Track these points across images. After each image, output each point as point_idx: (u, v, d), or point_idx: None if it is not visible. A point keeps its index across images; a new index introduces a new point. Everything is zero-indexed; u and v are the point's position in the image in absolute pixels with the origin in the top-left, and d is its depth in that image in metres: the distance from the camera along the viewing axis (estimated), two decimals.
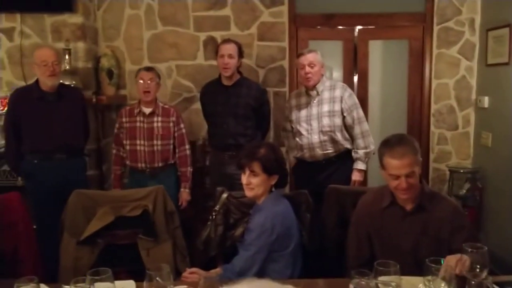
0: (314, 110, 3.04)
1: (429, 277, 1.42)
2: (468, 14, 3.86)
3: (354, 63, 4.01)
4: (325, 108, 3.02)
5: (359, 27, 3.97)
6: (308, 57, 2.99)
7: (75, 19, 3.58)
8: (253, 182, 2.02)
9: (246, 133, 3.16)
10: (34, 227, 2.62)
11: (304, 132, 3.05)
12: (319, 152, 3.03)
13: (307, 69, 2.98)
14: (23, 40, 3.57)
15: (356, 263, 1.87)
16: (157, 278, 1.38)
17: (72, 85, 3.33)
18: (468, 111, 3.96)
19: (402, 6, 3.91)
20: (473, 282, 1.37)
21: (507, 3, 3.41)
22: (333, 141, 3.01)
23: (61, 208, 2.40)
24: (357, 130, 3.03)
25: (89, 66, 3.70)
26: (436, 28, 3.89)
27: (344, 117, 3.02)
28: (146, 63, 3.86)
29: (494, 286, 1.51)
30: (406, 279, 1.51)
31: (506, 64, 3.40)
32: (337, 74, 4.04)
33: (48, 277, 2.11)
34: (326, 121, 3.00)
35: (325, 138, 3.00)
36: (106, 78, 3.72)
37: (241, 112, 3.14)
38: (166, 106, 3.21)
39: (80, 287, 1.38)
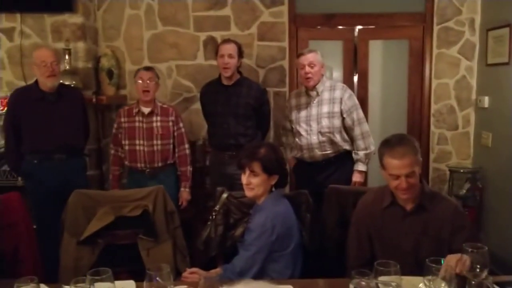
0: (314, 110, 3.04)
1: (430, 277, 1.42)
2: (468, 14, 3.86)
3: (354, 63, 4.01)
4: (325, 109, 3.01)
5: (359, 27, 3.97)
6: (308, 57, 2.99)
7: (75, 19, 3.58)
8: (253, 182, 2.02)
9: (247, 133, 3.16)
10: (34, 227, 2.62)
11: (303, 133, 3.05)
12: (318, 153, 3.03)
13: (307, 69, 2.97)
14: (23, 40, 3.57)
15: (356, 263, 1.87)
16: (157, 278, 1.38)
17: (72, 85, 3.33)
18: (468, 111, 3.96)
19: (402, 6, 3.91)
20: (473, 282, 1.37)
21: (507, 3, 3.41)
22: (332, 142, 3.01)
23: (61, 208, 2.40)
24: (357, 131, 3.03)
25: (89, 66, 3.70)
26: (436, 28, 3.89)
27: (343, 119, 3.02)
28: (146, 63, 3.86)
29: (495, 286, 1.51)
30: (407, 279, 1.51)
31: (506, 64, 3.40)
32: (337, 74, 4.04)
33: (48, 277, 2.12)
34: (325, 122, 3.00)
35: (324, 139, 3.00)
36: (106, 78, 3.72)
37: (241, 112, 3.14)
38: (165, 106, 3.21)
39: (80, 287, 1.38)
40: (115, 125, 3.23)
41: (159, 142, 3.12)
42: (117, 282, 1.43)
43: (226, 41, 3.20)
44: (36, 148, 2.92)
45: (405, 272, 1.47)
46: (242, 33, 3.87)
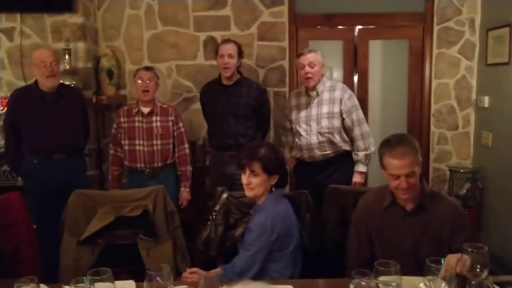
0: (314, 111, 3.04)
1: (430, 277, 1.42)
2: (468, 14, 3.86)
3: (354, 63, 4.01)
4: (324, 109, 3.01)
5: (359, 27, 3.97)
6: (308, 57, 2.98)
7: (75, 19, 3.58)
8: (253, 182, 2.02)
9: (247, 133, 3.16)
10: (34, 227, 2.62)
11: (303, 133, 3.05)
12: (317, 153, 3.03)
13: (307, 69, 2.97)
14: (23, 40, 3.57)
15: (356, 263, 1.87)
16: (157, 278, 1.38)
17: (72, 85, 3.33)
18: (468, 111, 3.96)
19: (402, 6, 3.91)
20: (473, 282, 1.37)
21: (507, 3, 3.41)
22: (331, 142, 3.01)
23: (61, 208, 2.40)
24: (356, 132, 3.02)
25: (89, 66, 3.70)
26: (436, 28, 3.89)
27: (343, 119, 3.01)
28: (146, 63, 3.86)
29: (495, 286, 1.51)
30: (407, 279, 1.51)
31: (506, 64, 3.40)
32: (337, 74, 4.04)
33: (48, 277, 2.12)
34: (324, 122, 2.99)
35: (323, 139, 3.00)
36: (106, 78, 3.72)
37: (242, 112, 3.14)
38: (165, 106, 3.21)
39: (80, 287, 1.38)
40: (115, 125, 3.23)
41: (159, 142, 3.12)
42: (117, 282, 1.43)
43: (226, 41, 3.20)
44: (36, 148, 2.92)
45: (405, 272, 1.47)
46: (242, 33, 3.87)
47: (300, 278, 2.01)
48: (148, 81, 3.08)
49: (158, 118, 3.13)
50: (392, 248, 1.86)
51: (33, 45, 3.48)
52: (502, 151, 3.51)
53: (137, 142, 3.12)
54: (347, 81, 3.91)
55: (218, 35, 3.87)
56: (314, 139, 3.01)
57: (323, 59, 3.06)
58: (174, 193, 3.14)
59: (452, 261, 1.51)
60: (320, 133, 3.00)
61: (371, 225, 1.94)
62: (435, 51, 3.91)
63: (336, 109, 3.00)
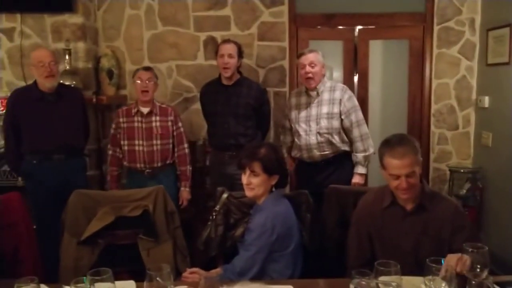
0: (313, 111, 3.03)
1: (430, 277, 1.42)
2: (469, 14, 3.86)
3: (355, 63, 4.01)
4: (324, 109, 3.01)
5: (359, 27, 3.97)
6: (309, 57, 2.98)
7: (75, 19, 3.58)
8: (253, 182, 2.02)
9: (247, 133, 3.16)
10: (34, 227, 2.62)
11: (302, 133, 3.05)
12: (316, 153, 3.02)
13: (308, 68, 2.97)
14: (23, 40, 3.57)
15: (356, 263, 1.86)
16: (158, 278, 1.38)
17: (72, 85, 3.33)
18: (469, 111, 3.96)
19: (403, 6, 3.91)
20: (473, 282, 1.37)
21: (507, 3, 3.41)
22: (330, 143, 3.00)
23: (61, 208, 2.40)
24: (355, 133, 3.01)
25: (89, 66, 3.70)
26: (436, 28, 3.89)
27: (342, 120, 3.01)
28: (146, 63, 3.86)
29: (495, 286, 1.51)
30: (407, 279, 1.51)
31: (507, 64, 3.40)
32: (337, 74, 4.04)
33: (48, 277, 2.12)
34: (324, 123, 2.99)
35: (322, 139, 2.99)
36: (107, 78, 3.73)
37: (242, 112, 3.14)
38: (164, 106, 3.21)
39: (80, 287, 1.38)
40: (113, 125, 3.21)
41: (158, 142, 3.11)
42: (117, 282, 1.43)
43: (226, 41, 3.20)
44: (35, 148, 2.92)
45: (405, 272, 1.47)
46: (242, 33, 3.87)
47: (300, 278, 2.01)
48: (147, 81, 3.08)
49: (158, 118, 3.13)
50: (392, 248, 1.86)
51: (33, 45, 3.49)
52: (502, 151, 3.51)
53: (136, 142, 3.11)
54: (347, 81, 3.91)
55: (218, 35, 3.87)
56: (313, 139, 3.01)
57: (324, 59, 3.06)
58: (174, 193, 3.14)
59: (452, 261, 1.51)
60: (319, 133, 2.99)
61: (371, 225, 1.94)
62: (435, 51, 3.91)
63: (336, 109, 3.00)
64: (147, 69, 3.18)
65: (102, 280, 1.36)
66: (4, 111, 3.16)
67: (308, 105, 3.06)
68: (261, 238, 1.94)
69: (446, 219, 1.83)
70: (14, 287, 1.39)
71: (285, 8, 3.88)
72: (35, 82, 2.95)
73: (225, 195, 2.35)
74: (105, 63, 3.72)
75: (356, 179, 3.03)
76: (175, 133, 3.18)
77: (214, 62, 3.45)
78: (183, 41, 3.92)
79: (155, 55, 3.93)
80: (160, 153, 3.12)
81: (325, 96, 3.03)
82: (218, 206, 2.33)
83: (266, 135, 3.48)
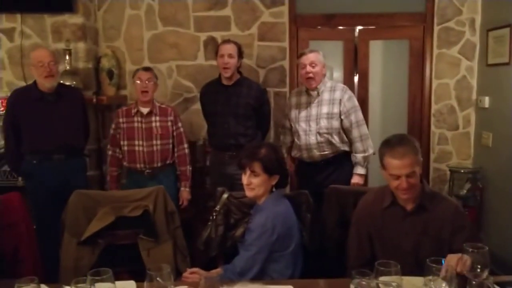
0: (313, 111, 3.03)
1: (430, 277, 1.42)
2: (469, 14, 3.86)
3: (355, 63, 4.01)
4: (324, 109, 3.01)
5: (359, 27, 3.97)
6: (310, 57, 2.98)
7: (75, 19, 3.58)
8: (253, 182, 2.02)
9: (247, 133, 3.16)
10: (34, 227, 2.62)
11: (302, 133, 3.05)
12: (316, 153, 3.02)
13: (308, 68, 2.97)
14: (24, 41, 3.57)
15: (356, 263, 1.86)
16: (158, 278, 1.38)
17: (72, 85, 3.33)
18: (469, 111, 3.96)
19: (403, 6, 3.91)
20: (474, 282, 1.37)
21: (507, 3, 3.41)
22: (330, 143, 3.00)
23: (61, 208, 2.40)
24: (355, 133, 3.01)
25: (90, 67, 3.70)
26: (436, 28, 3.89)
27: (342, 120, 3.01)
28: (147, 63, 3.86)
29: (495, 286, 1.51)
30: (407, 279, 1.51)
31: (507, 64, 3.39)
32: (338, 74, 4.04)
33: (49, 278, 2.12)
34: (324, 123, 2.99)
35: (322, 139, 2.99)
36: (107, 79, 3.73)
37: (242, 112, 3.14)
38: (164, 106, 3.21)
39: None
40: (113, 126, 3.21)
41: (158, 142, 3.11)
42: (118, 283, 1.43)
43: (226, 41, 3.20)
44: (35, 148, 2.92)
45: (406, 272, 1.47)
46: (242, 33, 3.87)
47: (301, 278, 2.01)
48: (147, 82, 3.08)
49: (157, 118, 3.13)
50: (392, 248, 1.86)
51: (34, 46, 3.49)
52: (502, 151, 3.51)
53: (136, 142, 3.11)
54: (348, 82, 3.91)
55: (218, 35, 3.87)
56: (312, 139, 3.01)
57: (324, 59, 3.05)
58: (174, 194, 3.14)
59: (452, 261, 1.51)
60: (319, 133, 2.99)
61: (372, 225, 1.94)
62: (435, 51, 3.91)
63: (336, 109, 2.99)
64: (147, 69, 3.18)
65: (102, 280, 1.36)
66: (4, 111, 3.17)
67: (308, 104, 3.06)
68: (261, 238, 1.94)
69: (446, 219, 1.83)
70: (14, 287, 1.39)
71: (285, 9, 3.88)
72: (34, 82, 2.95)
73: (225, 195, 2.35)
74: (105, 63, 3.72)
75: (355, 180, 3.02)
76: (175, 133, 3.18)
77: (214, 62, 3.45)
78: (183, 41, 3.92)
79: (155, 55, 3.93)
80: (160, 153, 3.12)
81: (325, 96, 3.03)
82: (218, 206, 2.33)
83: (266, 135, 3.48)
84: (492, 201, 3.67)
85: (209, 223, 2.33)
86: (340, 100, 3.00)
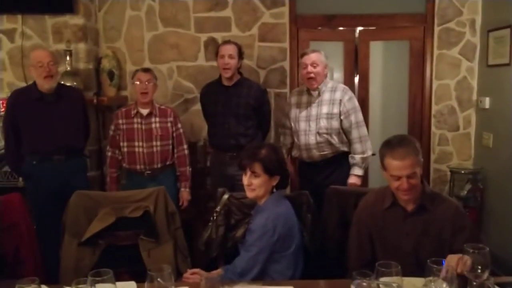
0: (314, 111, 3.03)
1: (431, 278, 1.42)
2: (469, 15, 3.86)
3: (355, 64, 4.01)
4: (324, 110, 3.00)
5: (360, 28, 3.97)
6: (311, 57, 2.98)
7: (76, 20, 3.59)
8: (254, 183, 2.02)
9: (247, 133, 3.16)
10: (34, 227, 2.62)
11: (301, 133, 3.04)
12: (316, 153, 3.02)
13: (310, 68, 2.96)
14: (24, 41, 3.57)
15: (357, 264, 1.86)
16: (158, 279, 1.38)
17: (73, 86, 3.33)
18: (469, 111, 3.96)
19: (403, 7, 3.91)
20: (474, 283, 1.37)
21: (508, 4, 3.41)
22: (330, 143, 3.00)
23: (61, 209, 2.40)
24: (354, 134, 3.00)
25: (90, 67, 3.70)
26: (437, 29, 3.89)
27: (341, 120, 3.00)
28: (147, 64, 3.86)
29: (496, 287, 1.51)
30: (408, 280, 1.51)
31: (507, 65, 3.40)
32: (338, 75, 4.04)
33: (49, 278, 2.12)
34: (323, 123, 2.99)
35: (322, 140, 2.99)
36: (107, 79, 3.73)
37: (242, 112, 3.14)
38: (163, 107, 3.21)
39: None
40: (112, 127, 3.20)
41: (158, 143, 3.11)
42: (118, 283, 1.43)
43: (226, 42, 3.21)
44: (35, 149, 2.92)
45: (406, 272, 1.46)
46: (243, 34, 3.87)
47: (301, 279, 2.01)
48: (146, 83, 3.07)
49: (157, 119, 3.13)
50: (393, 248, 1.86)
51: (34, 46, 3.48)
52: (503, 152, 3.51)
53: (136, 143, 3.11)
54: (348, 82, 3.91)
55: (219, 36, 3.87)
56: (312, 139, 3.01)
57: (326, 59, 3.05)
58: (174, 194, 3.13)
59: (453, 262, 1.51)
60: (318, 133, 2.99)
61: (372, 225, 1.94)
62: (435, 52, 3.91)
63: (336, 110, 2.99)
64: (146, 70, 3.17)
65: (103, 281, 1.36)
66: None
67: (308, 104, 3.06)
68: (262, 239, 1.94)
69: (447, 219, 1.83)
70: None
71: (285, 9, 3.88)
72: (34, 83, 2.95)
73: (226, 196, 2.35)
74: (106, 64, 3.73)
75: (352, 180, 3.00)
76: (174, 134, 3.18)
77: (214, 63, 3.45)
78: (183, 42, 3.92)
79: (155, 56, 3.94)
80: (160, 154, 3.12)
81: (326, 96, 3.03)
82: (219, 207, 2.33)
83: (266, 135, 3.48)
84: (493, 201, 3.66)
85: (210, 223, 2.33)
86: (341, 100, 3.00)
